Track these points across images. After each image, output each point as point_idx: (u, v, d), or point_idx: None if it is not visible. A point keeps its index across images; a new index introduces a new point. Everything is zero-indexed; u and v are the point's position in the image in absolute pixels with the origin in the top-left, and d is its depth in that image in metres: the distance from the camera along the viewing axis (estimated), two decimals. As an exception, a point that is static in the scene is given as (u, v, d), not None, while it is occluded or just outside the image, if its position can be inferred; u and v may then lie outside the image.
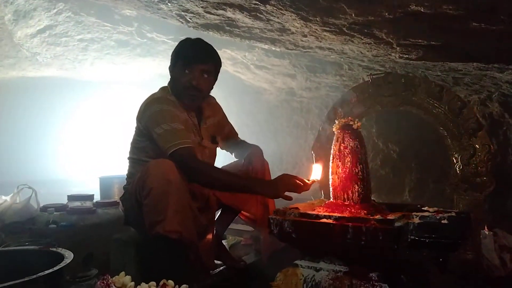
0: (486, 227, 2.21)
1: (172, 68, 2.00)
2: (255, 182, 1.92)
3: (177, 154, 1.77)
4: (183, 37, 3.33)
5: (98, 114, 5.91)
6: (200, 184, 1.89)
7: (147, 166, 1.77)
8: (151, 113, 1.88)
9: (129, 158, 2.05)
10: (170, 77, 2.03)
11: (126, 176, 2.06)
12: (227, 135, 2.23)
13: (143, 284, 1.46)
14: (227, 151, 2.30)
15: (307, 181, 1.85)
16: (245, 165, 2.11)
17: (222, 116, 2.22)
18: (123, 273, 1.51)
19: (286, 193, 1.82)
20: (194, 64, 1.92)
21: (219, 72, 2.05)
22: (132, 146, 2.04)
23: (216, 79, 2.04)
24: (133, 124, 2.01)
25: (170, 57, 2.03)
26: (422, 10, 1.72)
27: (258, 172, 2.10)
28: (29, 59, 4.28)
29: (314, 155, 3.14)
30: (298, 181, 1.83)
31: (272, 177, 2.20)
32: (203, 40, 2.01)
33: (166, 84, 2.05)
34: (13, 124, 5.42)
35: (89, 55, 4.08)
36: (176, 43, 3.56)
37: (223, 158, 2.34)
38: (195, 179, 1.82)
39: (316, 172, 1.91)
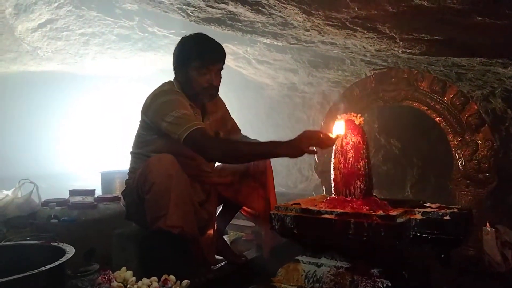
0: (488, 223, 2.21)
1: (183, 69, 1.95)
2: (276, 145, 1.78)
3: (191, 137, 1.74)
4: (184, 32, 3.32)
5: (99, 108, 5.89)
6: (221, 161, 1.93)
7: (148, 162, 1.77)
8: (160, 104, 1.86)
9: (131, 153, 2.04)
10: (176, 75, 2.01)
11: (128, 171, 2.06)
12: (229, 131, 2.22)
13: (144, 279, 1.47)
14: None
15: (330, 136, 1.75)
16: None
17: (225, 111, 2.22)
18: (124, 268, 1.51)
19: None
20: (213, 65, 1.92)
21: None
22: (136, 140, 2.03)
23: None
24: (135, 119, 2.00)
25: (173, 55, 2.00)
26: (426, 4, 1.70)
27: (259, 167, 2.09)
28: (30, 54, 4.27)
29: (316, 150, 3.13)
30: (321, 135, 1.74)
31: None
32: (208, 36, 2.00)
33: (168, 80, 2.04)
34: (14, 119, 5.41)
35: (90, 49, 4.06)
36: (178, 38, 3.55)
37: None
38: (213, 157, 1.84)
39: (338, 128, 1.77)
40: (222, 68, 1.99)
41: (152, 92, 1.96)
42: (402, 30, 2.07)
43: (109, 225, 2.25)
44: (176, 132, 1.77)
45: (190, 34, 2.00)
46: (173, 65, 2.01)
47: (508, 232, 2.19)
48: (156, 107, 1.87)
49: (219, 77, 1.98)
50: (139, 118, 1.99)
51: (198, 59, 1.90)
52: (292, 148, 1.73)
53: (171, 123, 1.79)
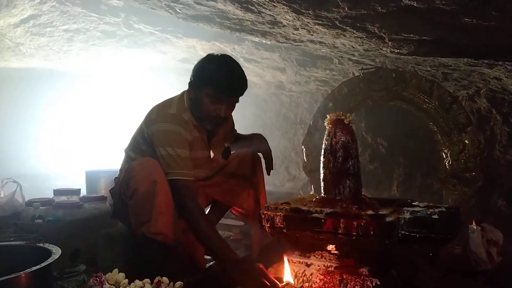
0: (474, 221, 2.23)
1: (196, 89, 1.82)
2: (228, 257, 1.64)
3: (175, 183, 1.71)
4: (171, 29, 3.32)
5: (83, 106, 5.80)
6: (183, 219, 1.77)
7: (131, 167, 1.73)
8: (159, 130, 1.78)
9: (125, 152, 1.99)
10: (189, 90, 1.88)
11: (119, 169, 2.01)
12: (234, 139, 2.21)
13: (137, 281, 1.44)
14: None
15: (277, 283, 1.52)
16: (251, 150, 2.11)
17: (232, 123, 2.19)
18: (116, 270, 1.49)
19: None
20: (226, 97, 1.80)
21: None
22: (132, 143, 1.96)
23: None
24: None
25: (192, 69, 1.86)
26: (415, 5, 1.71)
27: (250, 167, 2.09)
28: (12, 50, 4.16)
29: (304, 149, 3.14)
30: (267, 282, 1.50)
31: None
32: (235, 63, 1.85)
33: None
34: (-5, 116, 5.30)
35: (74, 46, 3.99)
36: (164, 35, 3.51)
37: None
38: (181, 212, 1.74)
39: (288, 274, 1.62)
40: (237, 101, 1.86)
41: (159, 106, 1.87)
42: (391, 30, 2.08)
43: (95, 225, 2.21)
44: (164, 169, 1.72)
45: (217, 55, 1.85)
46: (189, 78, 1.87)
47: (493, 230, 2.22)
48: (156, 131, 1.78)
49: (230, 109, 1.87)
50: (140, 122, 1.91)
51: (213, 86, 1.76)
52: (237, 273, 1.58)
53: (163, 156, 1.73)
